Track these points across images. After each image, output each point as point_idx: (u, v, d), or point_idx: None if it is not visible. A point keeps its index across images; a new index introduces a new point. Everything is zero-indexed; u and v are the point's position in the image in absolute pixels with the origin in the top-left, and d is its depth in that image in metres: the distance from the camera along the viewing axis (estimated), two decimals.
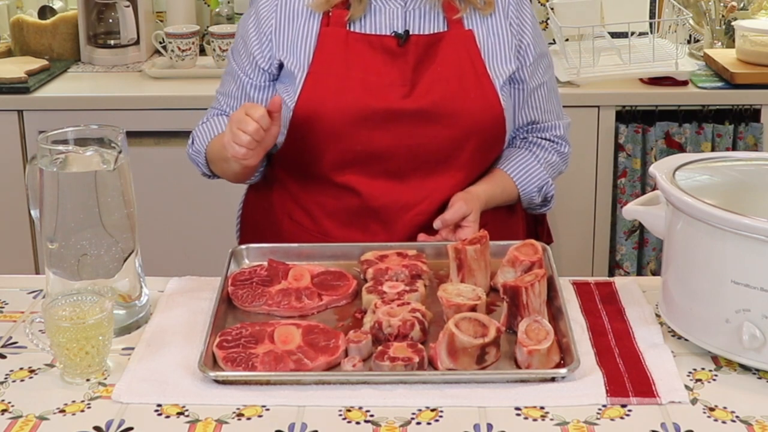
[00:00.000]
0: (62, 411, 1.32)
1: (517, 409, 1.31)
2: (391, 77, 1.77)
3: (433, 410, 1.31)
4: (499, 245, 1.65)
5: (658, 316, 1.53)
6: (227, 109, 1.90)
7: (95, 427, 1.29)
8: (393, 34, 1.78)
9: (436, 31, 1.80)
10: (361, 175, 1.79)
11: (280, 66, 1.82)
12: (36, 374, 1.42)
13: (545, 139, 1.93)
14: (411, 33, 1.78)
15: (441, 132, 1.77)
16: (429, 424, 1.28)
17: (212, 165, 1.90)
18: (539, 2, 3.28)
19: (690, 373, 1.40)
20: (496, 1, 1.83)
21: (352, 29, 1.79)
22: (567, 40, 3.02)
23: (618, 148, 2.89)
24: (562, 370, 1.36)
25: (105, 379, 1.40)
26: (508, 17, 1.83)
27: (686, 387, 1.36)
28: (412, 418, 1.29)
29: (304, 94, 1.77)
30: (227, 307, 1.56)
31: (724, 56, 2.98)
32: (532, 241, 1.63)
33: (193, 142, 1.91)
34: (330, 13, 1.79)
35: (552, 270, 1.58)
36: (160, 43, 3.13)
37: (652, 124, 2.87)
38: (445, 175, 1.80)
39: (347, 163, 1.79)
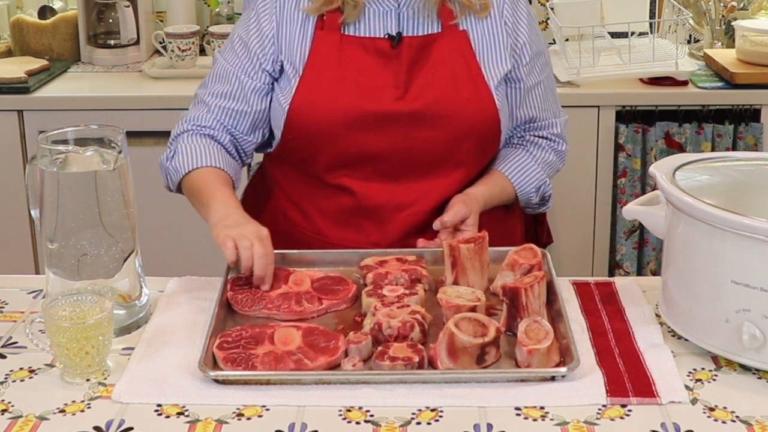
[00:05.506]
0: (62, 411, 1.32)
1: (517, 409, 1.31)
2: (385, 79, 1.77)
3: (433, 410, 1.31)
4: (499, 251, 1.65)
5: (658, 316, 1.53)
6: (218, 112, 1.83)
7: (95, 427, 1.29)
8: (386, 36, 1.78)
9: (429, 32, 1.80)
10: (356, 175, 1.79)
11: (281, 68, 1.82)
12: (36, 374, 1.42)
13: (542, 137, 1.93)
14: (404, 34, 1.78)
15: (435, 133, 1.77)
16: (429, 424, 1.28)
17: (184, 192, 1.81)
18: (539, 2, 3.28)
19: (690, 373, 1.40)
20: (491, 1, 1.83)
21: (345, 32, 1.79)
22: (567, 40, 3.02)
23: (618, 148, 2.89)
24: (562, 369, 1.36)
25: (105, 379, 1.40)
26: (503, 16, 1.83)
27: (686, 387, 1.36)
28: (412, 418, 1.29)
29: (298, 96, 1.77)
30: (227, 311, 1.55)
31: (724, 56, 2.98)
32: (531, 245, 1.63)
33: (174, 156, 1.81)
34: (324, 17, 1.79)
35: (551, 274, 1.58)
36: (160, 43, 3.13)
37: (652, 124, 2.87)
38: (439, 176, 1.80)
39: (341, 164, 1.79)
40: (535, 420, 1.29)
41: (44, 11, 3.28)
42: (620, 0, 3.05)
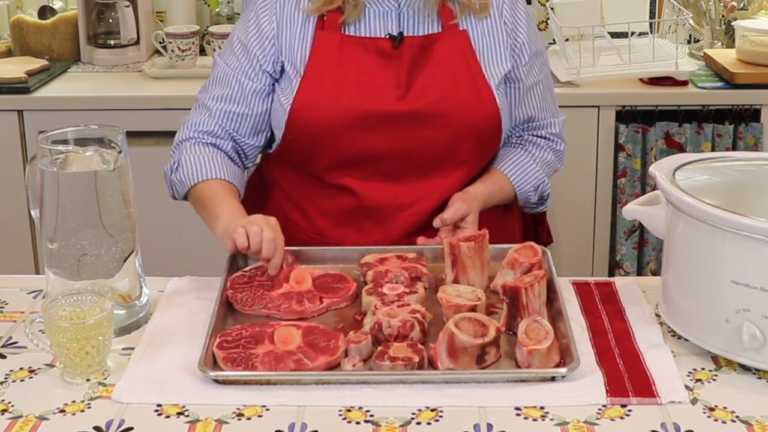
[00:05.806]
0: (62, 411, 1.32)
1: (517, 409, 1.31)
2: (386, 79, 1.77)
3: (433, 410, 1.31)
4: (499, 248, 1.65)
5: (658, 316, 1.53)
6: (220, 116, 1.83)
7: (95, 427, 1.29)
8: (387, 36, 1.78)
9: (430, 32, 1.80)
10: (357, 176, 1.80)
11: (282, 69, 1.82)
12: (36, 374, 1.42)
13: (541, 137, 1.93)
14: (405, 34, 1.78)
15: (436, 133, 1.78)
16: (429, 424, 1.28)
17: (190, 202, 1.82)
18: (539, 2, 3.28)
19: (690, 373, 1.40)
20: (491, 1, 1.83)
21: (346, 32, 1.79)
22: (567, 40, 3.02)
23: (618, 148, 2.89)
24: (562, 370, 1.36)
25: (105, 379, 1.40)
26: (503, 16, 1.83)
27: (686, 387, 1.36)
28: (412, 418, 1.29)
29: (299, 97, 1.77)
30: (227, 310, 1.55)
31: (724, 56, 2.98)
32: (532, 243, 1.63)
33: (178, 168, 1.81)
34: (324, 17, 1.79)
35: (552, 272, 1.58)
36: (160, 43, 3.13)
37: (652, 124, 2.87)
38: (440, 176, 1.81)
39: (343, 164, 1.79)
40: (535, 420, 1.29)
41: (44, 11, 3.27)
42: (620, 0, 3.04)
